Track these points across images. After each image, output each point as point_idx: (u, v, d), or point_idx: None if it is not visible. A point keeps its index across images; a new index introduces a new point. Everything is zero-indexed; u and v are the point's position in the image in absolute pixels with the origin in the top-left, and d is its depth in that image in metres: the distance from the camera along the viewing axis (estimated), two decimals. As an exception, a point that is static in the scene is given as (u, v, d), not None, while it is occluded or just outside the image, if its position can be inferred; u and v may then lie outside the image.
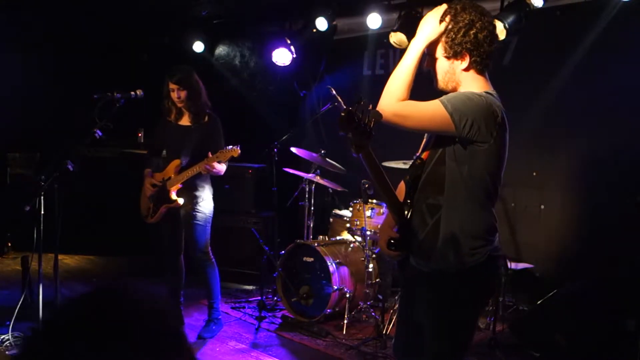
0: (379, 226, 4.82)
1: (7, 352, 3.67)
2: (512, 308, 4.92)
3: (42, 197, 3.70)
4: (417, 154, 2.37)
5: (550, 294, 4.21)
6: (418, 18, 5.14)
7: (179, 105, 4.14)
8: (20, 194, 6.08)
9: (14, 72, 6.15)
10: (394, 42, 5.20)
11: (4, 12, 5.96)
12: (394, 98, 2.13)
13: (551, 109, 5.00)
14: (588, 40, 4.80)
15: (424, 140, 2.40)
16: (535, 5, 4.60)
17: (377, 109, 2.13)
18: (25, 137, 6.66)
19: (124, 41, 6.76)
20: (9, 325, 3.86)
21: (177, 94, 4.08)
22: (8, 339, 3.82)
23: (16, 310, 3.90)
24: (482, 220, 2.18)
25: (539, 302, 4.32)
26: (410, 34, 5.08)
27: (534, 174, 5.11)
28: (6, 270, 5.98)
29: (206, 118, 4.19)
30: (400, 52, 6.14)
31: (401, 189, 2.38)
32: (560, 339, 3.95)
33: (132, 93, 3.97)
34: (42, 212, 3.72)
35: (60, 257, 3.89)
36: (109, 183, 6.44)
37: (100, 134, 3.80)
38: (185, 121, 4.21)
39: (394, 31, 5.15)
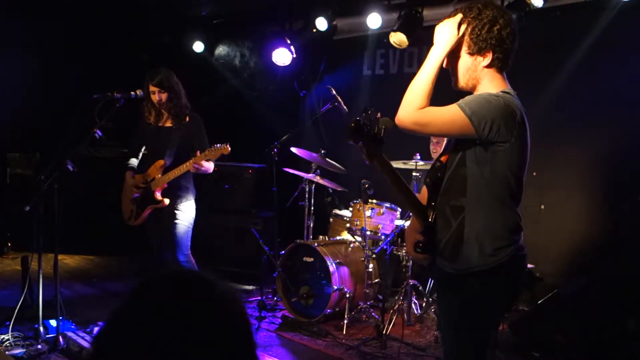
0: (379, 226, 4.83)
1: (7, 352, 3.67)
2: (512, 308, 4.92)
3: (42, 197, 3.71)
4: (437, 157, 2.42)
5: (550, 294, 4.21)
6: (418, 18, 5.17)
7: (161, 107, 4.12)
8: (20, 194, 6.09)
9: (14, 72, 6.14)
10: (394, 42, 5.20)
11: (3, 12, 5.96)
12: (412, 107, 2.15)
13: (551, 109, 5.00)
14: (588, 40, 4.80)
15: (444, 143, 2.44)
16: (535, 5, 4.60)
17: (397, 119, 2.17)
18: (25, 137, 6.66)
19: (124, 41, 6.76)
20: (9, 325, 3.86)
21: (157, 97, 4.05)
22: (8, 339, 3.81)
23: (16, 310, 3.89)
24: (505, 220, 2.20)
25: (539, 302, 4.32)
26: (410, 34, 5.10)
27: (534, 174, 5.11)
28: (6, 270, 5.98)
29: (187, 118, 4.16)
30: (400, 52, 6.15)
31: (424, 193, 2.41)
32: (560, 339, 3.95)
33: (132, 93, 3.98)
34: (42, 212, 3.73)
35: (60, 257, 3.89)
36: (109, 183, 6.44)
37: (100, 134, 3.80)
38: (166, 123, 4.18)
39: (394, 31, 5.14)
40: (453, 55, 2.24)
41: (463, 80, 2.25)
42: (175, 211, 4.08)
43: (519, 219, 2.24)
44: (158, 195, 4.06)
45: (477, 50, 2.19)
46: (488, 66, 2.21)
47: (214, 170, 4.06)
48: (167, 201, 4.06)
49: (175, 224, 4.07)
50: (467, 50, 2.21)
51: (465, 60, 2.23)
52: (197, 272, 0.99)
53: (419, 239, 2.28)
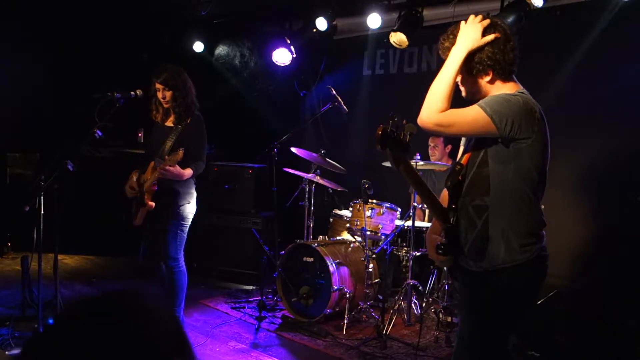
0: (379, 226, 4.83)
1: (7, 352, 3.67)
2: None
3: (42, 197, 3.71)
4: (457, 160, 2.46)
5: (550, 294, 4.21)
6: (418, 18, 5.17)
7: (165, 105, 4.03)
8: (20, 194, 6.08)
9: (14, 72, 6.14)
10: (394, 42, 5.20)
11: (2, 12, 5.96)
12: (434, 110, 2.20)
13: (551, 109, 4.93)
14: (588, 40, 4.80)
15: (462, 147, 2.47)
16: (535, 5, 4.59)
17: (419, 120, 2.22)
18: (25, 137, 6.66)
19: (124, 41, 6.76)
20: (9, 325, 3.86)
21: (162, 94, 3.98)
22: (8, 339, 3.81)
23: (16, 310, 3.89)
24: (529, 217, 2.24)
25: (539, 302, 4.32)
26: (410, 33, 5.10)
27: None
28: (6, 270, 5.98)
29: (189, 119, 4.05)
30: (400, 52, 6.15)
31: (445, 196, 2.45)
32: (560, 339, 3.95)
33: (132, 93, 3.94)
34: (42, 212, 3.73)
35: (60, 257, 3.89)
36: (109, 183, 6.44)
37: (100, 134, 3.79)
38: (170, 122, 4.10)
39: (394, 31, 5.15)
40: (460, 70, 2.29)
41: (472, 94, 2.33)
42: (166, 216, 3.96)
43: (541, 214, 2.28)
44: (146, 198, 3.94)
45: (476, 72, 2.26)
46: (491, 81, 2.28)
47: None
48: (152, 204, 3.92)
49: (165, 229, 3.96)
50: (467, 71, 2.28)
51: (469, 79, 2.30)
52: (117, 293, 0.89)
53: (441, 241, 2.31)
